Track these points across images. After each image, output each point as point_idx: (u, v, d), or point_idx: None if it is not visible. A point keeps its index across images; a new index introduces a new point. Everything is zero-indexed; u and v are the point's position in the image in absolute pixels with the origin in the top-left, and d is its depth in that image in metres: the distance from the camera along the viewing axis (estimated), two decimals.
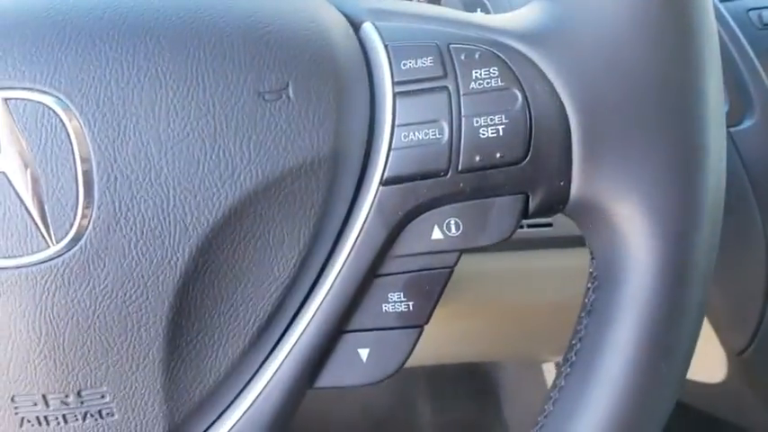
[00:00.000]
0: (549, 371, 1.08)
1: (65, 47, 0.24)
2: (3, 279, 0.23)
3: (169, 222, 0.24)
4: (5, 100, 0.23)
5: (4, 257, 0.23)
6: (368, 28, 0.26)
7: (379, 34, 0.26)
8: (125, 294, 0.24)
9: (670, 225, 0.24)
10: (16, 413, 0.25)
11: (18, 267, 0.23)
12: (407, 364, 0.28)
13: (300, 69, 0.25)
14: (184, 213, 0.24)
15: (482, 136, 0.25)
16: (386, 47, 0.26)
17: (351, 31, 0.27)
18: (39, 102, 0.23)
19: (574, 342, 0.27)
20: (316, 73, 0.25)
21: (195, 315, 0.25)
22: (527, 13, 0.27)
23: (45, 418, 0.25)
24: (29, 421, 0.25)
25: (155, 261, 0.24)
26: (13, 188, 0.23)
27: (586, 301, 0.27)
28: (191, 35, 0.24)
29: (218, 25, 0.25)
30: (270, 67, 0.25)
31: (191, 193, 0.24)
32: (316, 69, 0.25)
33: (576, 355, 0.26)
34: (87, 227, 0.23)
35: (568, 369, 0.26)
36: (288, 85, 0.24)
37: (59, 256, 0.23)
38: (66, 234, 0.23)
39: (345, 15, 0.27)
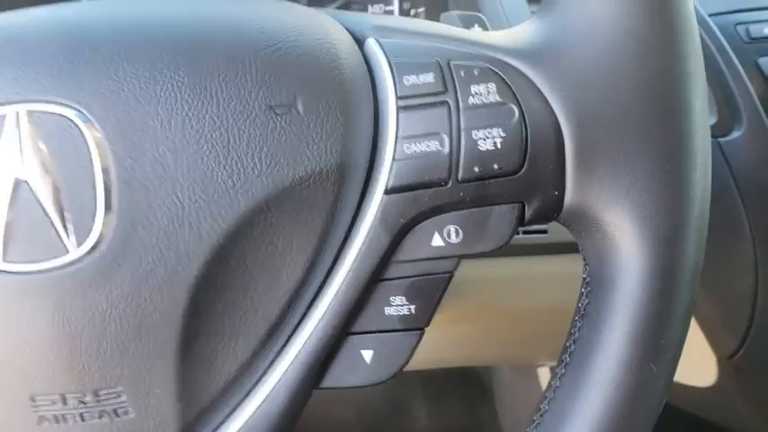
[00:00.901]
0: (544, 375, 1.09)
1: (86, 62, 0.25)
2: (24, 283, 0.25)
3: (184, 230, 0.25)
4: (29, 112, 0.24)
5: (26, 262, 0.24)
6: (372, 44, 0.28)
7: (383, 50, 0.27)
8: (141, 298, 0.25)
9: (658, 232, 0.26)
10: (35, 411, 0.26)
11: (39, 272, 0.24)
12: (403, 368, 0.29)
13: (309, 84, 0.26)
14: (198, 221, 0.25)
15: (481, 148, 0.26)
16: (389, 63, 0.27)
17: (356, 47, 0.28)
18: (61, 115, 0.24)
19: (568, 344, 0.28)
20: (323, 87, 0.26)
21: (207, 318, 0.26)
22: (523, 32, 0.28)
23: (63, 416, 0.26)
24: (47, 419, 0.26)
25: (169, 267, 0.25)
26: (35, 196, 0.24)
27: (580, 305, 0.28)
28: (205, 51, 0.25)
29: (231, 42, 0.26)
30: (280, 81, 0.26)
31: (204, 201, 0.25)
32: (323, 84, 0.26)
33: (570, 356, 0.28)
34: (106, 234, 0.24)
35: (563, 370, 0.28)
36: (297, 100, 0.26)
37: (78, 261, 0.24)
38: (86, 241, 0.24)
39: (350, 32, 0.28)
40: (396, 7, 0.71)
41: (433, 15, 0.70)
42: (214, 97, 0.25)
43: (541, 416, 0.28)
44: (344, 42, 0.28)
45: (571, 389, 0.27)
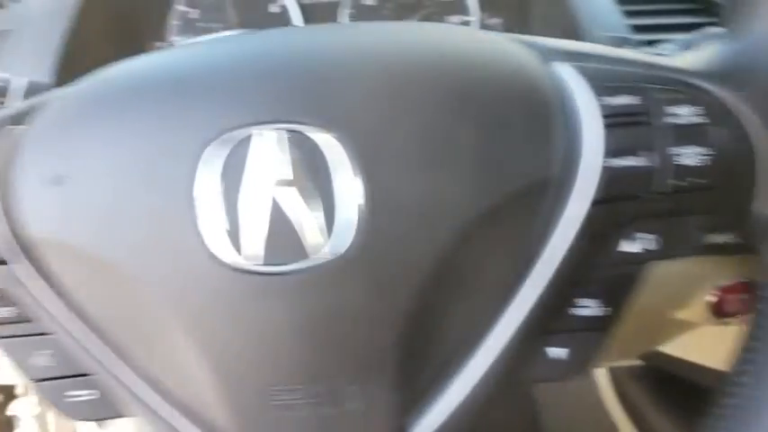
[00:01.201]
0: (592, 374, 1.09)
1: (344, 95, 0.28)
2: (277, 283, 0.27)
3: (415, 235, 0.27)
4: (288, 131, 0.27)
5: (281, 265, 0.27)
6: (564, 67, 0.30)
7: (581, 74, 0.30)
8: (374, 299, 0.28)
9: None
10: (270, 401, 0.29)
11: (291, 273, 0.27)
12: None
13: (516, 105, 0.29)
14: (427, 227, 0.27)
15: (680, 164, 0.29)
16: (591, 85, 0.29)
17: (546, 69, 0.30)
18: (314, 137, 0.27)
19: (752, 345, 0.30)
20: (528, 108, 0.29)
21: (426, 318, 0.28)
22: (710, 55, 0.31)
23: (295, 405, 0.29)
24: (281, 407, 0.29)
25: (401, 269, 0.27)
26: (286, 208, 0.27)
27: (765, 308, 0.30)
28: (433, 85, 0.28)
29: (451, 75, 0.29)
30: (491, 104, 0.28)
31: (432, 212, 0.27)
32: (528, 105, 0.29)
33: (757, 357, 0.30)
34: (352, 241, 0.27)
35: (748, 368, 0.30)
36: (507, 119, 0.28)
37: (327, 265, 0.27)
38: (335, 246, 0.27)
39: (537, 56, 0.31)
40: (475, 18, 0.73)
41: (510, 25, 0.72)
42: (440, 122, 0.28)
43: (730, 409, 0.30)
44: (537, 66, 0.30)
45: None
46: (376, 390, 0.29)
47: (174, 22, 0.72)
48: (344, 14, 0.73)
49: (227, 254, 0.27)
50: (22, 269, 0.30)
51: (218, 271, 0.27)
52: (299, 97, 0.27)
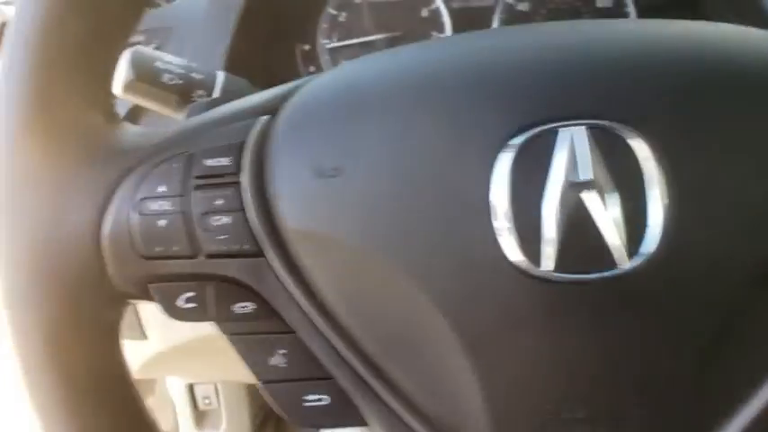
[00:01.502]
0: None
1: (651, 92, 0.25)
2: (569, 294, 0.25)
3: (725, 248, 0.25)
4: (588, 127, 0.25)
5: (575, 273, 0.25)
6: None
7: None
8: (672, 319, 0.25)
9: None
10: (542, 422, 0.26)
11: (586, 283, 0.25)
12: None
13: None
14: (737, 239, 0.25)
15: None
16: None
17: None
18: (624, 136, 0.25)
19: None
20: None
21: (726, 336, 0.26)
22: None
23: (570, 427, 0.26)
24: (554, 429, 0.26)
25: (706, 287, 0.25)
26: (591, 210, 0.24)
27: None
28: (738, 88, 0.26)
29: (754, 78, 0.26)
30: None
31: (741, 220, 0.25)
32: None
33: None
34: (657, 250, 0.24)
35: None
36: None
37: (627, 275, 0.24)
38: (637, 255, 0.24)
39: None
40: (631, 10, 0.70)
41: None
42: (748, 121, 0.25)
43: None
44: None
45: None
46: (664, 414, 0.26)
47: (323, 25, 0.72)
48: (496, 20, 0.71)
49: (525, 260, 0.25)
50: (270, 263, 0.28)
51: (514, 279, 0.25)
52: (610, 94, 0.25)
